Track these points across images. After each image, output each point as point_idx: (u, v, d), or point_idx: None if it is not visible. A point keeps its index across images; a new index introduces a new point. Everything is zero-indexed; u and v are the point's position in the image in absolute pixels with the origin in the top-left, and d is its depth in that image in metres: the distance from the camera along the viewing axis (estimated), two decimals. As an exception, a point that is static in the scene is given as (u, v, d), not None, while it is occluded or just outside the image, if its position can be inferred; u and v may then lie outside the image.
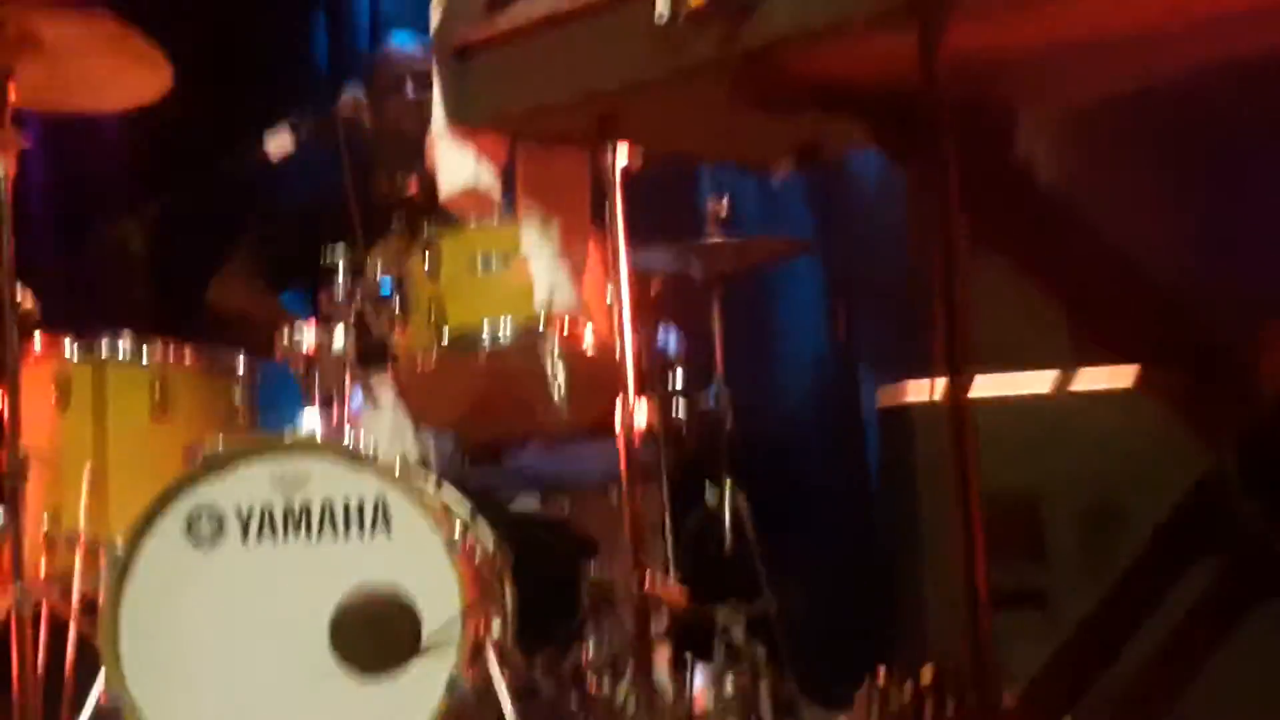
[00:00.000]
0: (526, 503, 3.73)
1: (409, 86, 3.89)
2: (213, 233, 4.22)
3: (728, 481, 3.85)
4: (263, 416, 3.46)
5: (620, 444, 3.10)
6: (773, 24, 1.70)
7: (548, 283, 2.10)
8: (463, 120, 2.02)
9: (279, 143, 3.66)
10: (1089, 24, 1.70)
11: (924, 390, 3.47)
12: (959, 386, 1.57)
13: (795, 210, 4.35)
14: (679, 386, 3.63)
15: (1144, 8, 1.68)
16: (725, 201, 3.82)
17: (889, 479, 3.82)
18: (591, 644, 3.48)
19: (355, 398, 3.25)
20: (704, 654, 3.62)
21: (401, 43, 4.13)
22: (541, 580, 3.42)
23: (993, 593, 3.25)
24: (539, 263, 2.10)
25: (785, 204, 4.31)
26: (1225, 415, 1.96)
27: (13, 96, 3.04)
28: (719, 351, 3.87)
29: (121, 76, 3.18)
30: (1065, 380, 3.16)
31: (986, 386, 3.40)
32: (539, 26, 1.92)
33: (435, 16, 2.04)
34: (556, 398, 3.20)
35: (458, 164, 2.03)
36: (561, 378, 3.19)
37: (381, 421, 3.36)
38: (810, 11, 1.67)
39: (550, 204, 2.11)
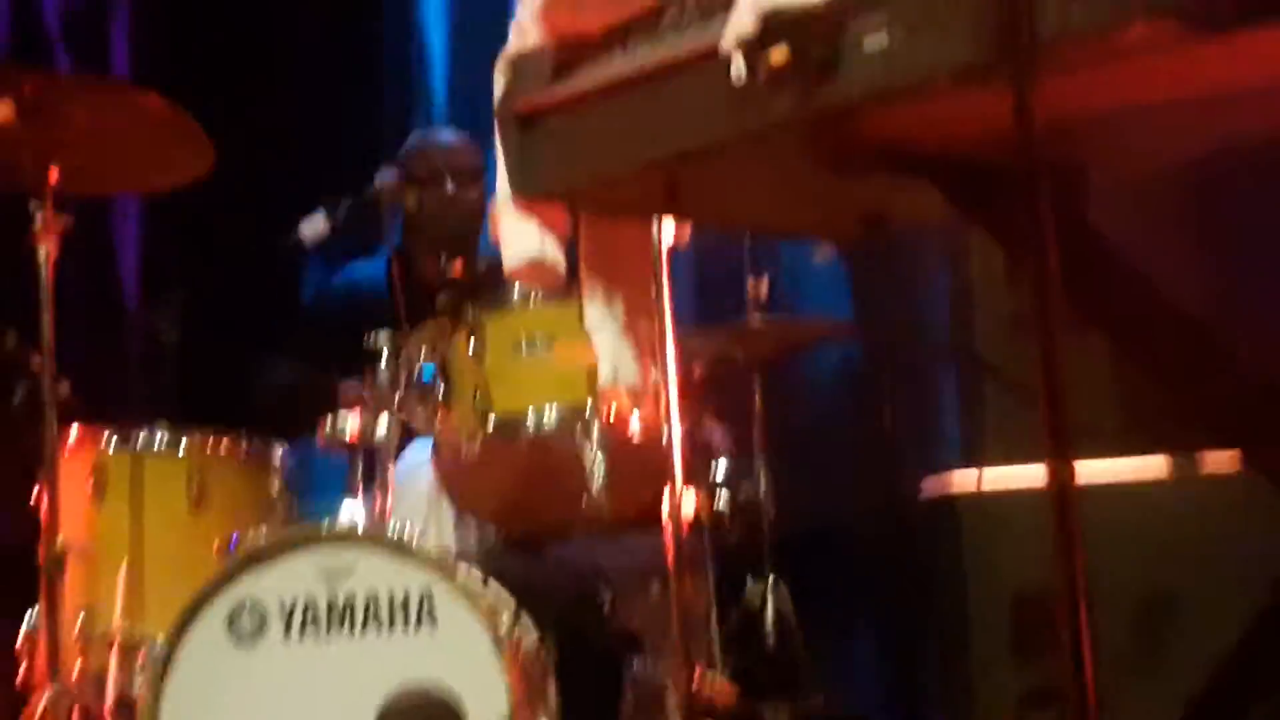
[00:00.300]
0: (567, 596, 3.63)
1: (448, 181, 3.88)
2: (248, 319, 4.18)
3: (770, 576, 3.77)
4: (304, 504, 3.40)
5: (668, 535, 3.04)
6: (853, 83, 1.63)
7: (612, 359, 2.03)
8: (526, 192, 1.96)
9: (314, 227, 3.63)
10: (1172, 80, 1.64)
11: (970, 481, 3.39)
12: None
13: (832, 292, 4.30)
14: (721, 476, 3.57)
15: (1231, 64, 1.62)
16: (765, 283, 3.77)
17: (934, 572, 3.73)
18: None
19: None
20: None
21: (441, 137, 4.13)
22: (584, 677, 3.32)
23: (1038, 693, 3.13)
24: (603, 338, 2.03)
25: (821, 286, 4.26)
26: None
27: (53, 179, 3.02)
28: (761, 440, 3.80)
29: (163, 158, 3.16)
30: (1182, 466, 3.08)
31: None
32: (605, 92, 1.87)
33: (499, 84, 1.98)
34: (596, 488, 3.13)
35: (522, 236, 1.97)
36: (603, 468, 3.13)
37: (420, 510, 3.28)
38: (893, 69, 1.60)
39: (614, 278, 2.05)
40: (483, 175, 4.01)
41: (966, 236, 3.33)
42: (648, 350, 2.10)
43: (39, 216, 3.03)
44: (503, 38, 1.90)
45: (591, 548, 3.56)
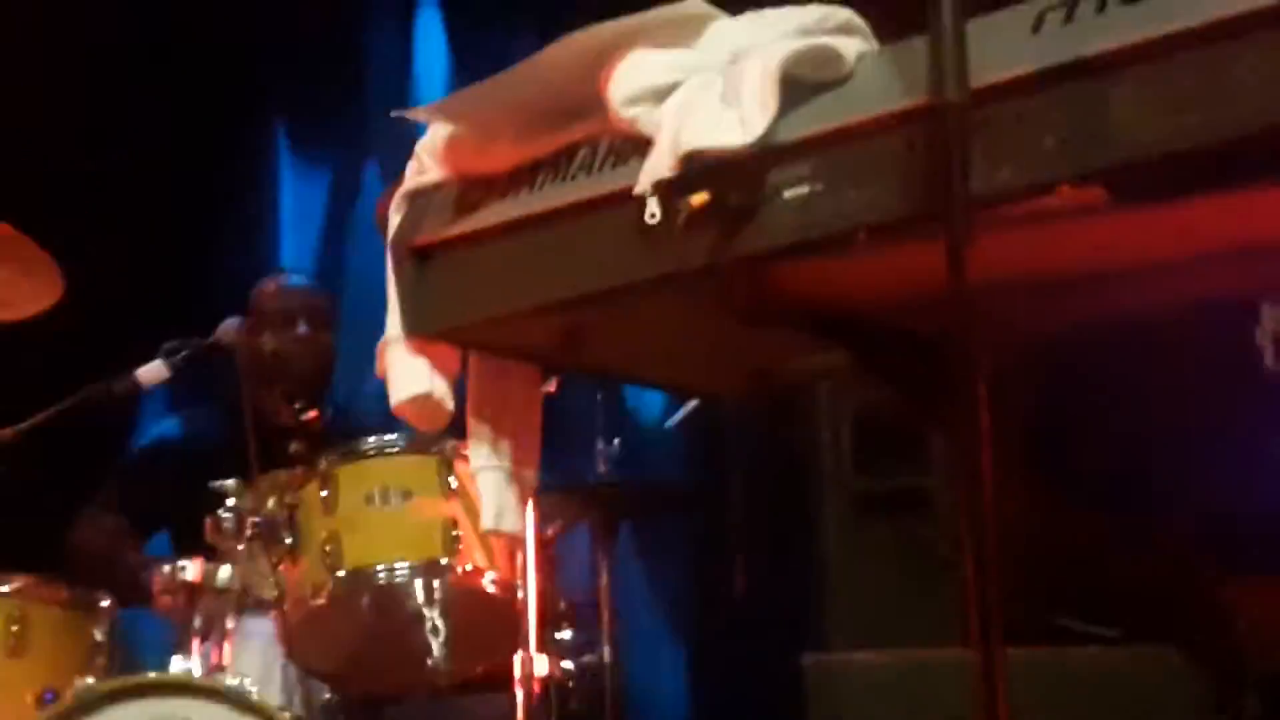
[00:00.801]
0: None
1: (300, 323, 3.81)
2: (77, 463, 4.02)
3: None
4: (130, 660, 3.23)
5: (517, 698, 2.97)
6: (772, 231, 1.63)
7: (496, 504, 1.97)
8: (418, 329, 1.92)
9: (153, 371, 3.52)
10: (1096, 247, 1.67)
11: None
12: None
13: (673, 459, 4.29)
14: (568, 640, 3.50)
15: (1158, 238, 1.65)
16: (615, 446, 3.76)
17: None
18: None
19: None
20: None
21: (293, 280, 4.06)
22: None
23: None
24: (488, 481, 1.98)
25: (663, 453, 4.25)
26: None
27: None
28: (607, 605, 3.74)
29: (9, 288, 3.04)
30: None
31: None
32: (509, 229, 1.85)
33: (394, 219, 1.95)
34: (440, 650, 3.04)
35: (410, 372, 1.92)
36: (447, 629, 3.04)
37: (252, 664, 3.14)
38: (815, 219, 1.60)
39: (502, 420, 2.00)
40: (333, 320, 3.94)
41: (815, 412, 3.35)
42: (528, 499, 2.05)
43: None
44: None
45: (430, 712, 3.45)
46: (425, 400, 1.93)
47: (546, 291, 1.82)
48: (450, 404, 1.95)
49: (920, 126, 1.50)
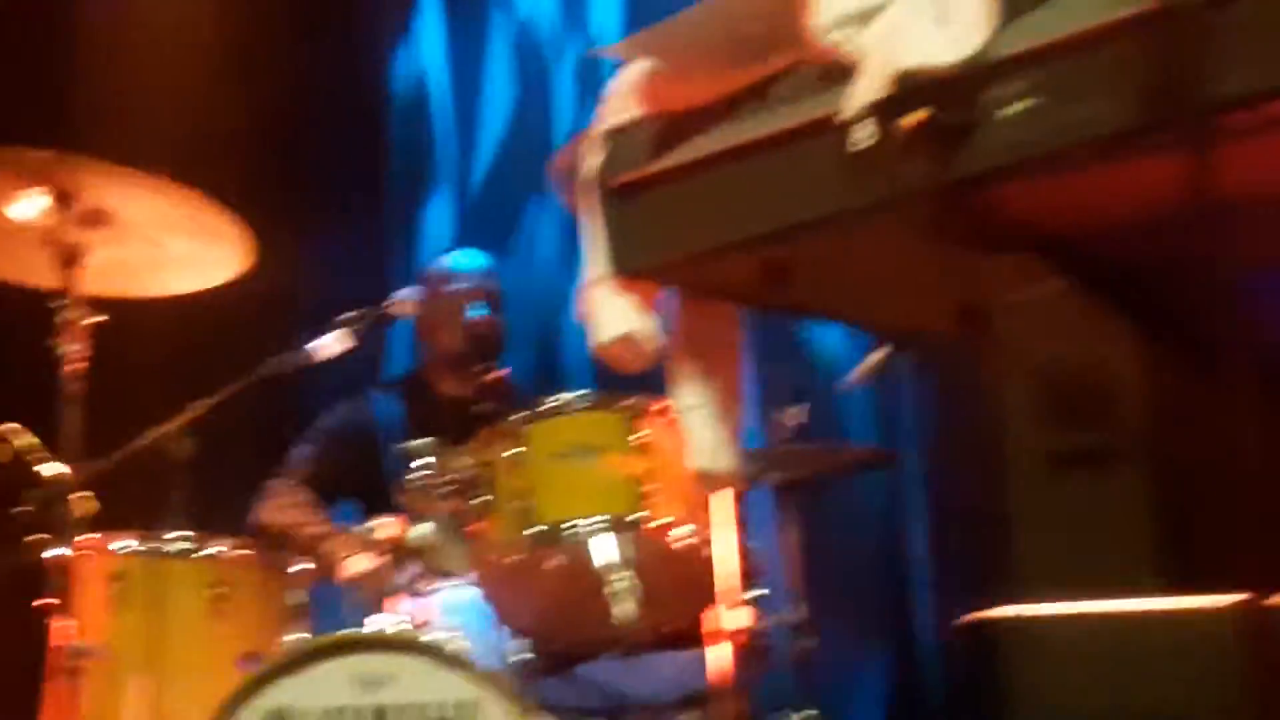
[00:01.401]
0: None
1: (471, 304, 3.85)
2: (259, 438, 4.09)
3: (804, 708, 3.64)
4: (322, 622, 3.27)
5: (716, 652, 2.94)
6: (992, 150, 1.58)
7: (704, 444, 1.95)
8: (621, 267, 1.90)
9: (329, 345, 3.56)
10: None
11: (1012, 610, 3.30)
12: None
13: (862, 419, 4.23)
14: (756, 599, 3.46)
15: None
16: (802, 410, 3.70)
17: (976, 703, 3.62)
18: None
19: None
20: None
21: (464, 261, 4.09)
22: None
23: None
24: (696, 421, 1.95)
25: (852, 413, 4.20)
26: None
27: (82, 276, 2.94)
28: (795, 566, 3.70)
29: (198, 258, 3.08)
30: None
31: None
32: (711, 164, 1.81)
33: (592, 160, 1.93)
34: (624, 609, 3.03)
35: (613, 312, 1.90)
36: (637, 585, 3.03)
37: (448, 621, 3.16)
38: (1038, 135, 1.55)
39: (707, 360, 1.97)
40: (500, 301, 3.98)
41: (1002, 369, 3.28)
42: (735, 438, 2.02)
43: (64, 313, 2.92)
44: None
45: (620, 670, 3.44)
46: (629, 340, 1.91)
47: (751, 225, 1.79)
48: (654, 344, 1.93)
49: (1152, 31, 1.44)
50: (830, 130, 1.67)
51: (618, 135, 1.92)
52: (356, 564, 3.11)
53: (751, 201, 1.77)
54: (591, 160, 1.93)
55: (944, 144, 1.58)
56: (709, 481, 2.11)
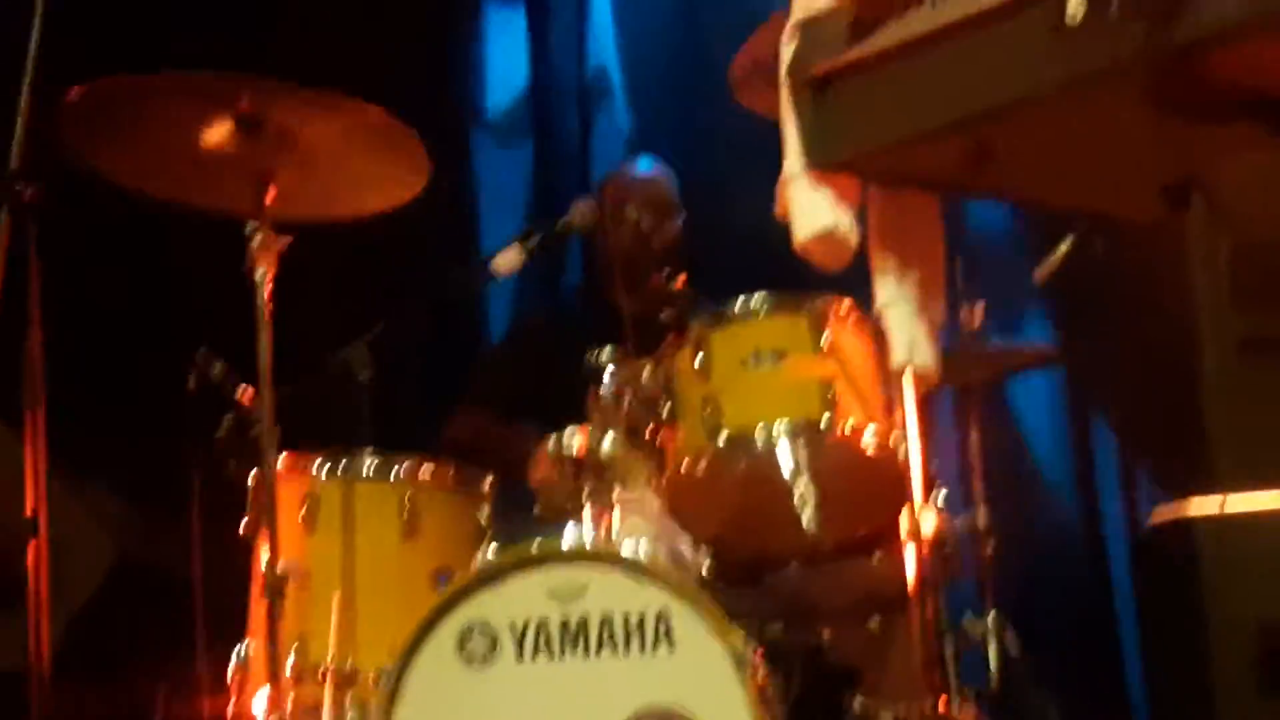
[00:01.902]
0: (783, 628, 3.50)
1: (646, 214, 3.83)
2: (440, 355, 4.13)
3: (994, 610, 3.60)
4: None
5: (909, 554, 2.91)
6: (1215, 11, 1.52)
7: (906, 339, 1.92)
8: (820, 160, 1.87)
9: (508, 259, 3.56)
10: None
11: (1209, 505, 3.22)
12: None
13: (1040, 317, 4.15)
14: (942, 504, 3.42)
15: None
16: (980, 308, 3.63)
17: (1169, 604, 3.55)
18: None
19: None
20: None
21: (638, 167, 4.07)
22: (803, 711, 3.18)
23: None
24: (896, 315, 1.92)
25: (1030, 311, 4.12)
26: None
27: (270, 198, 2.97)
28: (978, 468, 3.65)
29: (379, 176, 3.09)
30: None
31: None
32: (910, 48, 1.77)
33: (787, 52, 1.89)
34: (816, 513, 3.01)
35: (814, 208, 1.87)
36: (823, 489, 3.01)
37: (634, 532, 3.17)
38: (1260, -4, 1.48)
39: (907, 255, 1.94)
40: (678, 208, 3.97)
41: (1187, 258, 3.19)
42: (937, 334, 1.98)
43: (257, 238, 2.96)
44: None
45: (806, 578, 3.43)
46: (831, 235, 1.88)
47: (959, 107, 1.75)
48: (855, 239, 1.90)
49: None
50: (1036, 4, 1.62)
51: (811, 26, 1.88)
52: (546, 472, 3.11)
53: (957, 83, 1.73)
54: (785, 53, 1.89)
55: (1162, 10, 1.53)
56: (912, 378, 2.07)
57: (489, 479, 3.28)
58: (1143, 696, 3.91)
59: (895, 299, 1.93)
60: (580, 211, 3.64)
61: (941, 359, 3.47)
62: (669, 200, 3.99)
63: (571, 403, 3.29)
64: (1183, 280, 3.30)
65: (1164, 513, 3.34)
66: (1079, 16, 1.56)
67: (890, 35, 1.79)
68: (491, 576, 2.80)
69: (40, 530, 2.84)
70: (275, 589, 2.86)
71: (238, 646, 3.12)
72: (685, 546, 3.25)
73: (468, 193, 4.45)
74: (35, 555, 2.82)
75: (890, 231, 1.94)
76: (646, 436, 3.07)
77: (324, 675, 3.03)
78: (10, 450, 3.01)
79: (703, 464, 2.98)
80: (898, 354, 1.93)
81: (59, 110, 2.87)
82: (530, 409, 3.82)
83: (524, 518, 3.22)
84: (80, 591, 3.53)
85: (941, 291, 1.97)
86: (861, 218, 1.93)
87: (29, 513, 2.81)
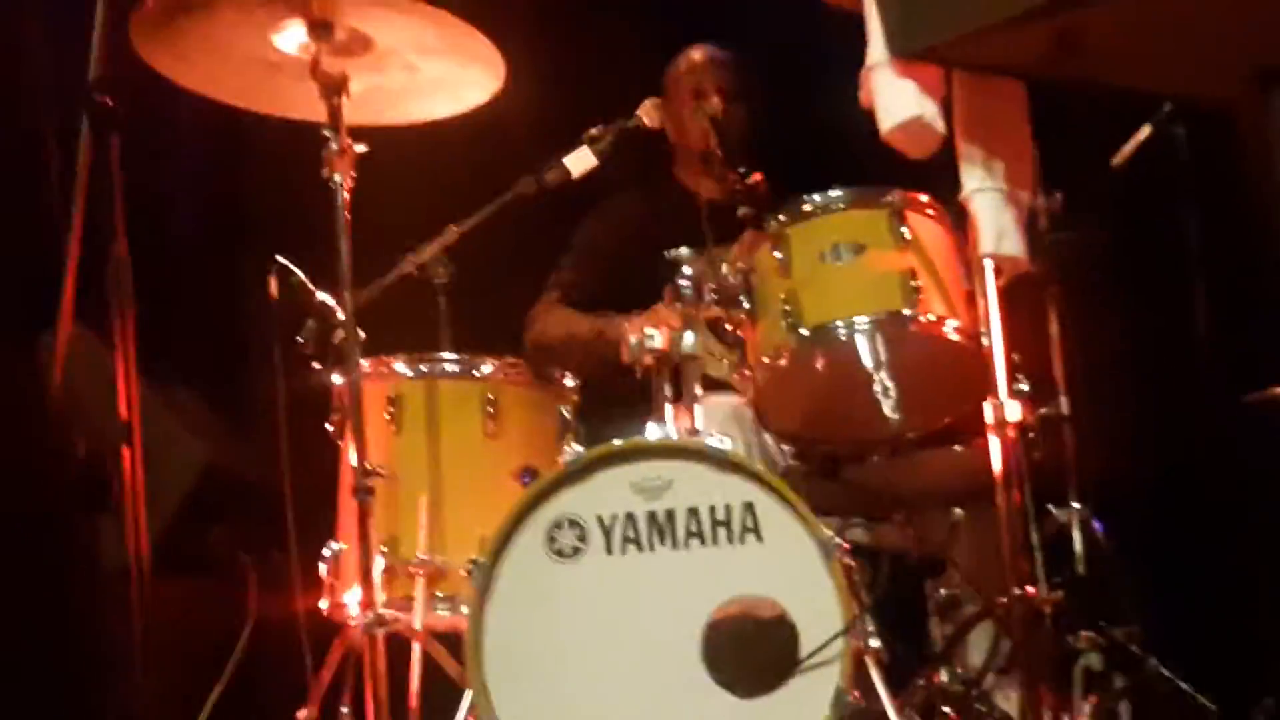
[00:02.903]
0: (856, 521, 3.52)
1: (712, 97, 3.81)
2: (518, 257, 4.13)
3: (1079, 501, 3.60)
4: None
5: (993, 444, 2.91)
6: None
7: (995, 226, 1.91)
8: (904, 48, 1.85)
9: (580, 159, 3.55)
10: None
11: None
12: None
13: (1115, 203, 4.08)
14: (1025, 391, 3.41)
15: None
16: (1059, 197, 3.60)
17: (1264, 488, 3.53)
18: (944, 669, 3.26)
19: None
20: (1061, 681, 3.37)
21: (706, 52, 4.04)
22: (889, 598, 3.21)
23: None
24: (983, 203, 1.92)
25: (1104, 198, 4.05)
26: None
27: (345, 104, 2.97)
28: (1059, 359, 3.63)
29: (454, 80, 3.09)
30: None
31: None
32: (997, -67, 1.74)
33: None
34: (900, 403, 3.02)
35: (899, 96, 1.87)
36: (908, 380, 3.01)
37: (723, 427, 3.19)
38: None
39: (993, 142, 1.92)
40: (749, 92, 3.94)
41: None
42: (1024, 221, 1.97)
43: (332, 144, 2.96)
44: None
45: (890, 469, 3.44)
46: (916, 124, 1.88)
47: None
48: (941, 126, 1.89)
49: None
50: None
51: (893, -88, 1.85)
52: (638, 348, 3.09)
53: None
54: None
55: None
56: (995, 267, 2.06)
57: (571, 378, 3.30)
58: (1229, 579, 3.89)
59: (983, 186, 1.92)
60: (647, 109, 3.64)
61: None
62: (739, 83, 3.96)
63: (651, 299, 3.30)
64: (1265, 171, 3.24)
65: (1256, 395, 3.32)
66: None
67: (975, -80, 1.76)
68: (577, 472, 2.83)
69: (134, 435, 2.90)
70: (364, 489, 2.89)
71: (328, 546, 3.17)
72: (769, 439, 3.27)
73: (549, 91, 4.43)
74: (130, 459, 2.87)
75: (977, 119, 1.93)
76: (728, 331, 3.08)
77: (415, 571, 3.08)
78: (100, 357, 3.06)
79: (784, 358, 2.98)
80: (985, 243, 1.92)
81: (133, 20, 2.88)
82: (611, 304, 3.83)
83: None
84: (173, 494, 3.59)
85: (1029, 179, 1.96)
86: (946, 106, 1.91)
87: (123, 417, 2.86)
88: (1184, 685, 2.92)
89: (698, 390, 3.01)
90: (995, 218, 1.92)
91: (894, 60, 1.86)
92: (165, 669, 2.83)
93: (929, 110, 1.87)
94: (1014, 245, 1.92)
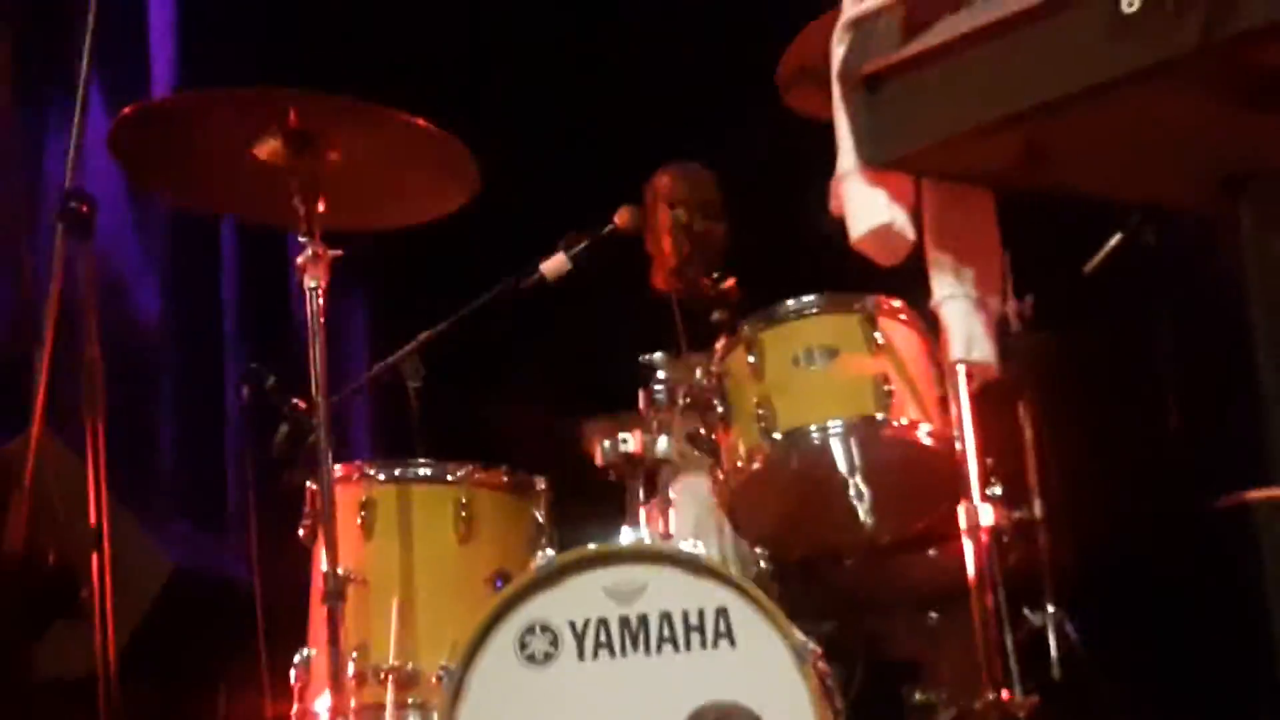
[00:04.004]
0: (835, 624, 3.51)
1: (694, 216, 3.86)
2: (489, 361, 4.14)
3: (1053, 603, 3.60)
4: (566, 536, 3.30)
5: (967, 547, 2.91)
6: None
7: (964, 334, 1.93)
8: (875, 157, 1.88)
9: (556, 264, 3.58)
10: None
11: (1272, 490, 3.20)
12: None
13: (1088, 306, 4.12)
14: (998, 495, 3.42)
15: None
16: (1029, 302, 3.63)
17: (1239, 592, 3.53)
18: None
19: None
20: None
21: (685, 168, 4.10)
22: (863, 703, 3.19)
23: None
24: (953, 310, 1.93)
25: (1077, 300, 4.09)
26: None
27: (320, 209, 2.99)
28: (1034, 461, 3.65)
29: (429, 187, 3.11)
30: None
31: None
32: (963, 43, 1.78)
33: (838, 52, 1.90)
34: (874, 508, 3.02)
35: (869, 204, 1.89)
36: (881, 484, 3.01)
37: (695, 532, 3.18)
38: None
39: (962, 248, 1.94)
40: (722, 206, 4.01)
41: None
42: (994, 328, 1.99)
43: (308, 250, 2.97)
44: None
45: (864, 573, 3.44)
46: (886, 231, 1.89)
47: (1010, 102, 1.75)
48: (911, 234, 1.91)
49: None
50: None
51: (863, 24, 1.89)
52: (606, 452, 3.09)
53: (1011, 78, 1.73)
54: (836, 52, 1.90)
55: (1215, 4, 1.53)
56: (967, 373, 2.08)
57: (543, 481, 3.30)
58: (1205, 682, 3.89)
59: (952, 294, 1.94)
60: (624, 215, 3.67)
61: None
62: (714, 198, 4.03)
63: (624, 400, 3.31)
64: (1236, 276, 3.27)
65: (1229, 500, 3.32)
66: (1135, 5, 1.57)
67: (942, 31, 1.80)
68: (550, 576, 2.81)
69: (103, 541, 2.88)
70: (335, 594, 2.87)
71: (299, 652, 3.14)
72: (743, 544, 3.26)
73: (525, 198, 4.47)
74: (99, 566, 2.85)
75: (946, 227, 1.95)
76: (701, 436, 3.09)
77: (385, 677, 3.04)
78: (70, 466, 3.05)
79: (758, 462, 2.99)
80: (955, 349, 1.94)
81: (111, 129, 2.90)
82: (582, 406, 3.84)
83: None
84: (141, 601, 3.56)
85: (999, 285, 1.98)
86: (916, 215, 1.93)
87: (92, 523, 2.85)
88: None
89: (672, 495, 3.01)
90: (965, 324, 1.93)
91: (864, 168, 1.88)
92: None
93: (899, 218, 1.89)
94: (983, 351, 1.94)
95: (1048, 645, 3.55)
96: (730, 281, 3.08)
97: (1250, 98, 1.62)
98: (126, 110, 2.88)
